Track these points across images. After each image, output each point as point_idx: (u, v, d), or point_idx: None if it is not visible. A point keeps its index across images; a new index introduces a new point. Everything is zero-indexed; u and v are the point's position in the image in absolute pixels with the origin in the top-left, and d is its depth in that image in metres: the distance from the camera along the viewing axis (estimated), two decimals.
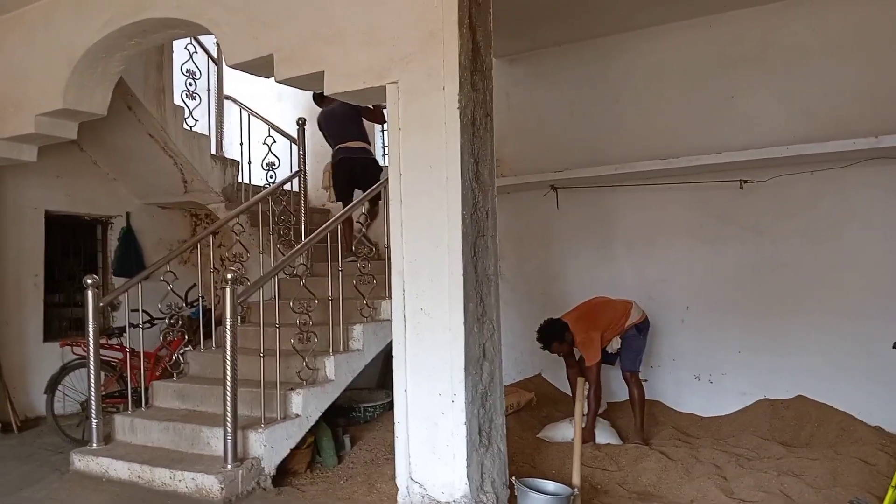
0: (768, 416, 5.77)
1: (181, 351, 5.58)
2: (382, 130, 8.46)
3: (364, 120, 6.78)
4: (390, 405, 5.56)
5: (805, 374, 5.80)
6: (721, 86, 6.17)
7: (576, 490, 3.91)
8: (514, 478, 3.85)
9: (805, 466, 4.64)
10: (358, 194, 6.35)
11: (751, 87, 6.05)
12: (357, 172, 6.61)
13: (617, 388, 6.15)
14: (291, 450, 4.65)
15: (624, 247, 6.68)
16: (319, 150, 8.63)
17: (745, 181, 5.99)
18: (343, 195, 6.66)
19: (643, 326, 5.86)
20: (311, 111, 8.46)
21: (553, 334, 5.64)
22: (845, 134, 5.40)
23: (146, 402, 5.28)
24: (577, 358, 5.85)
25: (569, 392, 6.51)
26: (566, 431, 5.48)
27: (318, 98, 6.80)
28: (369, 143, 6.87)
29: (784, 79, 5.92)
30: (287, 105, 8.97)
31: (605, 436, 5.60)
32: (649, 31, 6.48)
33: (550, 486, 3.91)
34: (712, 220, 6.23)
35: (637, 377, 5.82)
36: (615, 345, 5.80)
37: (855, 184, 5.61)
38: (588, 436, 5.43)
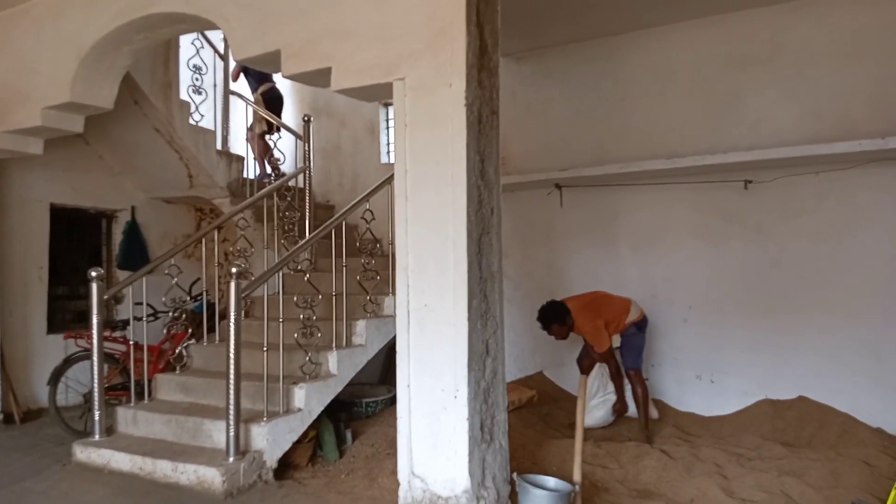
0: (770, 417, 5.77)
1: (185, 344, 5.60)
2: (388, 128, 8.48)
3: None
4: (392, 400, 5.58)
5: (807, 375, 5.80)
6: (728, 86, 6.16)
7: (576, 487, 3.91)
8: (515, 473, 3.86)
9: (806, 467, 4.64)
10: None
11: (758, 88, 6.04)
12: (277, 105, 7.97)
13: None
14: (293, 443, 4.68)
15: (628, 246, 6.69)
16: (325, 146, 8.68)
17: (750, 181, 5.99)
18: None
19: (642, 324, 5.90)
20: (317, 108, 8.50)
21: (555, 316, 5.71)
22: (852, 135, 5.39)
23: (149, 395, 5.31)
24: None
25: (568, 390, 6.55)
26: (598, 412, 5.75)
27: None
28: None
29: (791, 80, 5.90)
30: (292, 101, 8.98)
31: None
32: (657, 31, 6.47)
33: (551, 482, 3.92)
34: (716, 220, 6.23)
35: (640, 374, 5.84)
36: (615, 342, 5.82)
37: (860, 185, 5.61)
38: (622, 407, 5.79)
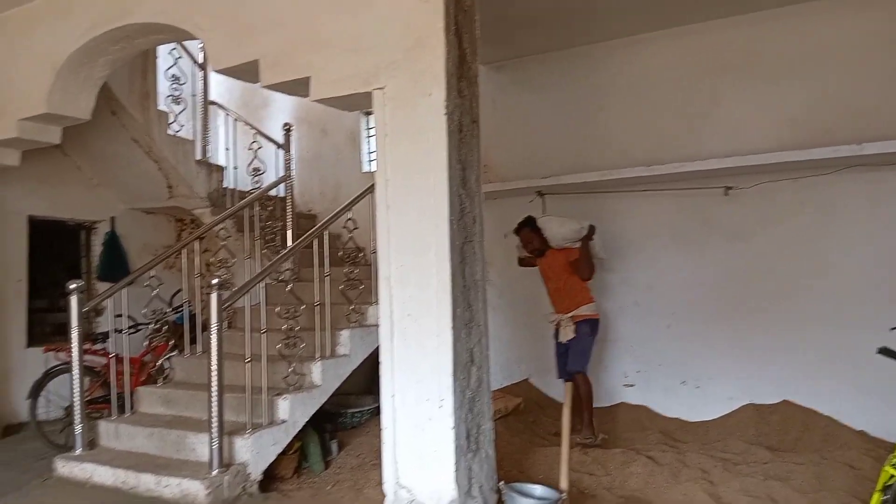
0: (754, 421, 5.79)
1: (166, 356, 5.54)
2: (369, 137, 8.46)
3: None
4: (378, 410, 5.52)
5: (790, 380, 5.82)
6: (706, 94, 6.21)
7: (563, 494, 3.92)
8: (502, 482, 3.85)
9: (791, 471, 4.66)
10: None
11: (735, 96, 6.09)
12: None
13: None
14: (278, 455, 4.64)
15: (609, 253, 6.69)
16: (306, 155, 8.65)
17: (730, 188, 6.03)
18: None
19: (595, 325, 5.80)
20: (298, 117, 8.48)
21: (531, 220, 5.89)
22: (828, 142, 5.44)
23: (131, 408, 5.25)
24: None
25: (554, 398, 6.55)
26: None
27: None
28: None
29: (768, 87, 5.95)
30: (273, 110, 8.95)
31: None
32: (635, 39, 6.50)
33: (538, 490, 3.92)
34: (697, 226, 6.26)
35: (584, 376, 5.69)
36: (568, 333, 5.71)
37: (838, 191, 5.65)
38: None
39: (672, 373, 6.37)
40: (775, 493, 4.36)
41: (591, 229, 5.76)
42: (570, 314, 5.75)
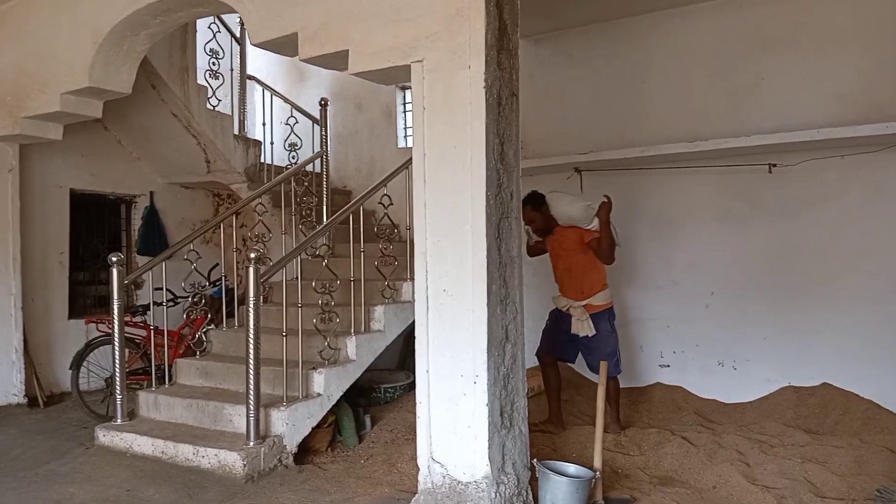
0: (792, 404, 5.71)
1: (204, 329, 5.62)
2: (405, 112, 8.43)
3: None
4: (410, 386, 5.58)
5: (831, 362, 5.71)
6: (750, 68, 6.04)
7: (597, 473, 3.90)
8: (535, 460, 3.84)
9: (829, 454, 4.60)
10: None
11: (781, 70, 5.92)
12: None
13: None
14: (313, 428, 4.69)
15: (649, 231, 6.60)
16: (341, 131, 8.65)
17: (774, 165, 5.88)
18: None
19: (612, 314, 5.50)
20: (333, 92, 8.46)
21: (533, 197, 5.52)
22: (878, 118, 5.27)
23: (169, 380, 5.35)
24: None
25: (588, 377, 6.50)
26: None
27: None
28: None
29: (815, 61, 5.78)
30: (309, 85, 8.95)
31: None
32: (677, 11, 6.34)
33: (571, 468, 3.90)
34: (740, 204, 6.13)
35: (615, 379, 5.44)
36: (585, 328, 5.41)
37: (887, 169, 5.48)
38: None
39: (709, 353, 6.28)
40: (813, 476, 4.30)
41: (603, 205, 5.21)
42: (582, 303, 5.44)
